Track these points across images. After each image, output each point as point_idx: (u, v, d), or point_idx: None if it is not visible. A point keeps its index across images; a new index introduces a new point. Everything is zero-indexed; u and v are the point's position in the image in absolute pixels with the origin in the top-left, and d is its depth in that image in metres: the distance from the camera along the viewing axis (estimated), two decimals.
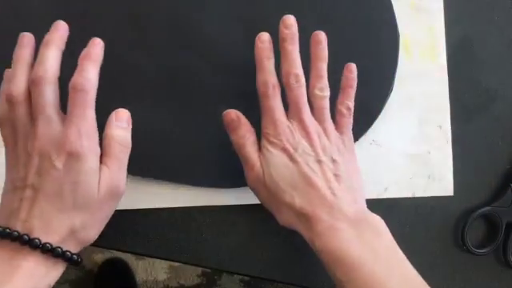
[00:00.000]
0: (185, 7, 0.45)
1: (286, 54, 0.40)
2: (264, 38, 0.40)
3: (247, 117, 0.41)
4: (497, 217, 0.48)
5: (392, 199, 0.47)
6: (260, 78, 0.39)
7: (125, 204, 0.42)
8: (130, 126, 0.38)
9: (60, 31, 0.37)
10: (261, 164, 0.39)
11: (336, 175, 0.38)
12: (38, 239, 0.33)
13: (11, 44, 0.37)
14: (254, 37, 0.40)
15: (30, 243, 0.33)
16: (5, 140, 0.36)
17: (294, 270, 0.46)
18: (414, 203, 0.48)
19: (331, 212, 0.37)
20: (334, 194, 0.37)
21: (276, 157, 0.38)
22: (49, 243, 0.33)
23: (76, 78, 0.34)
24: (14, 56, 0.36)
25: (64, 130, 0.34)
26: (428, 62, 0.48)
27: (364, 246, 0.36)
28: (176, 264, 1.12)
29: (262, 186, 0.39)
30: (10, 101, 0.35)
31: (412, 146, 0.48)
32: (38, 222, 0.33)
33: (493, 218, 0.49)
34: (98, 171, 0.35)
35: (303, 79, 0.40)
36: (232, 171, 0.43)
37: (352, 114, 0.42)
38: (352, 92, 0.42)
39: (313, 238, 0.37)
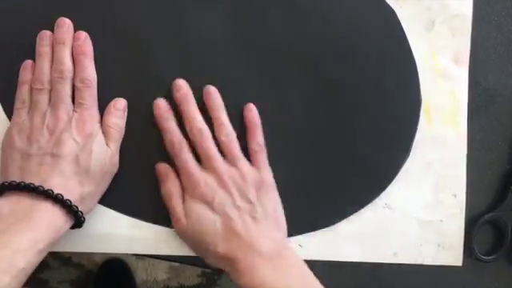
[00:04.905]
0: None
1: (185, 115, 0.43)
2: (160, 103, 0.43)
3: None
4: (502, 221, 0.48)
5: None
6: (166, 138, 0.43)
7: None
8: (126, 114, 0.43)
9: (70, 28, 0.42)
10: (185, 215, 0.42)
11: (253, 217, 0.41)
12: (52, 190, 0.37)
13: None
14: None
15: (45, 193, 0.37)
16: (19, 120, 0.41)
17: None
18: None
19: (249, 252, 0.40)
20: (251, 236, 0.40)
21: (197, 208, 0.41)
22: (60, 194, 0.38)
23: (82, 75, 0.41)
24: (39, 51, 0.42)
25: (81, 116, 0.40)
26: (448, 129, 0.48)
27: (279, 279, 0.40)
28: (176, 264, 1.12)
29: (188, 236, 0.42)
30: (37, 88, 0.41)
31: (425, 212, 0.47)
32: (58, 181, 0.38)
33: (498, 223, 0.49)
34: (106, 148, 0.41)
35: (207, 131, 0.42)
36: None
37: (264, 148, 0.44)
38: (258, 129, 0.44)
39: (236, 277, 0.40)
